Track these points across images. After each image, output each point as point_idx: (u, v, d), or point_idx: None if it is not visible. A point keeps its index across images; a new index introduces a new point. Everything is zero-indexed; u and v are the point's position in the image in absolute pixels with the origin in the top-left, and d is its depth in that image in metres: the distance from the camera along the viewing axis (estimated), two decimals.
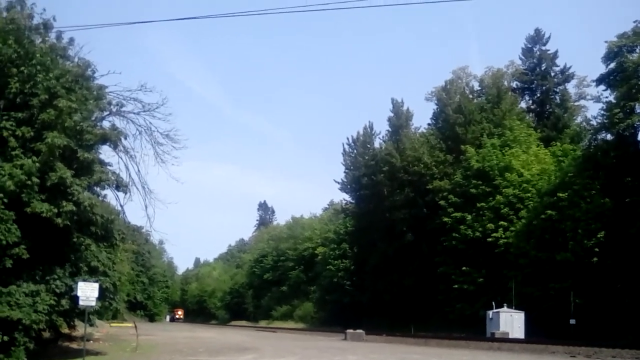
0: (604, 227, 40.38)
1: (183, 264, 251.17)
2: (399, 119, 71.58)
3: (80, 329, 32.37)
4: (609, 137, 44.05)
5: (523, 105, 68.22)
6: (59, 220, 22.56)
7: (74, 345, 33.74)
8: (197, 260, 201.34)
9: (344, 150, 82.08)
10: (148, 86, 30.16)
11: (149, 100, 31.41)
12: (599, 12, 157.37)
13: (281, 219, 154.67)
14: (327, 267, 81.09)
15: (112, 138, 27.86)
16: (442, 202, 55.91)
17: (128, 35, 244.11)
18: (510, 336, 38.35)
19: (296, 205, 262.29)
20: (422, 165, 61.67)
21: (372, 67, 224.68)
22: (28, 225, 22.45)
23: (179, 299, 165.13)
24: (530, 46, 69.04)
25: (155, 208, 31.78)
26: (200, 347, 34.64)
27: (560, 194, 43.69)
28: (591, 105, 73.46)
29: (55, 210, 22.44)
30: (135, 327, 38.42)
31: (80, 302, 23.58)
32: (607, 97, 44.41)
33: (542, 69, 67.97)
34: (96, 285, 24.04)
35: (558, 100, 66.54)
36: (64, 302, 24.11)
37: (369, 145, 79.26)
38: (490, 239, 49.49)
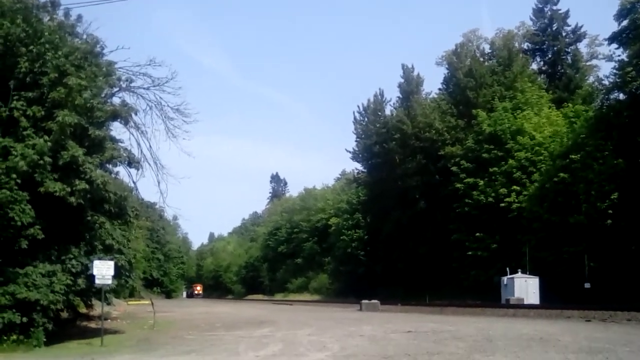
0: (617, 188, 40.02)
1: (198, 239, 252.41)
2: (410, 85, 71.17)
3: (98, 308, 32.59)
4: (621, 96, 43.58)
5: (534, 66, 67.77)
6: (72, 199, 22.60)
7: (92, 325, 33.99)
8: (211, 235, 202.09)
9: (355, 118, 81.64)
10: (157, 61, 30.14)
11: (158, 75, 31.37)
12: None
13: (294, 190, 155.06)
14: (341, 237, 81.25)
15: (123, 114, 27.83)
16: (454, 168, 55.71)
17: (136, 10, 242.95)
18: (525, 302, 38.33)
19: (308, 176, 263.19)
20: (433, 131, 61.43)
21: (382, 33, 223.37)
22: (42, 205, 22.51)
23: (194, 275, 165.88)
24: (541, 6, 68.45)
25: (167, 184, 31.85)
26: (217, 322, 34.87)
27: (573, 156, 43.36)
28: (603, 64, 73.07)
29: (69, 189, 22.46)
30: (152, 304, 38.65)
31: (97, 281, 23.68)
32: (619, 56, 43.96)
33: (553, 29, 67.39)
34: (112, 264, 24.11)
35: (570, 61, 66.00)
36: (80, 281, 24.22)
37: (379, 113, 78.74)
38: (503, 204, 49.30)
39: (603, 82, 49.25)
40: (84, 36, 27.56)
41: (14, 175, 21.43)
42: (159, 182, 31.46)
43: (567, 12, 67.02)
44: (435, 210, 60.12)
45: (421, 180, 62.31)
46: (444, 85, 68.14)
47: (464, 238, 53.25)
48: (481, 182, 52.16)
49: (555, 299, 38.69)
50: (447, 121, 61.05)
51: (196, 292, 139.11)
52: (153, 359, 17.85)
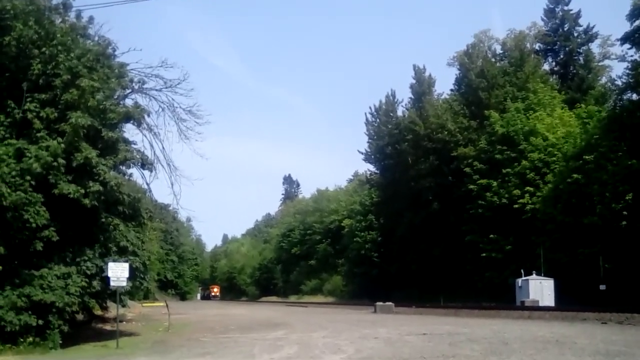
0: (632, 189, 39.66)
1: (211, 240, 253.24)
2: (421, 86, 71.10)
3: (113, 310, 32.65)
4: (634, 97, 43.36)
5: (546, 67, 67.53)
6: (86, 201, 22.64)
7: (108, 327, 34.09)
8: (225, 237, 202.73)
9: (367, 119, 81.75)
10: (169, 62, 30.16)
11: (170, 76, 31.41)
12: None
13: (306, 192, 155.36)
14: (354, 239, 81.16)
15: (136, 116, 27.85)
16: (467, 169, 55.63)
17: (147, 11, 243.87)
18: (540, 304, 38.10)
19: (321, 177, 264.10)
20: (446, 132, 61.43)
21: (394, 34, 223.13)
22: (56, 207, 22.56)
23: (209, 277, 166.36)
24: (552, 7, 68.10)
25: (181, 185, 31.83)
26: (231, 325, 34.86)
27: (587, 157, 43.12)
28: (616, 64, 72.00)
29: (83, 191, 22.51)
30: (167, 306, 38.72)
31: (112, 283, 23.71)
32: (632, 56, 43.64)
33: (565, 29, 67.04)
34: (126, 265, 24.14)
35: (582, 61, 65.65)
36: (95, 283, 24.24)
37: (391, 114, 78.78)
38: (516, 205, 49.12)
39: (616, 82, 49.20)
40: (96, 38, 27.65)
41: (28, 177, 21.47)
42: (172, 184, 31.48)
43: (579, 12, 66.68)
44: (449, 211, 60.00)
45: (434, 181, 62.28)
46: (456, 86, 68.15)
47: (478, 239, 53.11)
48: (494, 184, 52.02)
49: (571, 300, 38.45)
50: (460, 122, 60.98)
51: (213, 293, 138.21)
52: None
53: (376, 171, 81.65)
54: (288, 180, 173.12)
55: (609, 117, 44.74)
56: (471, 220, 54.91)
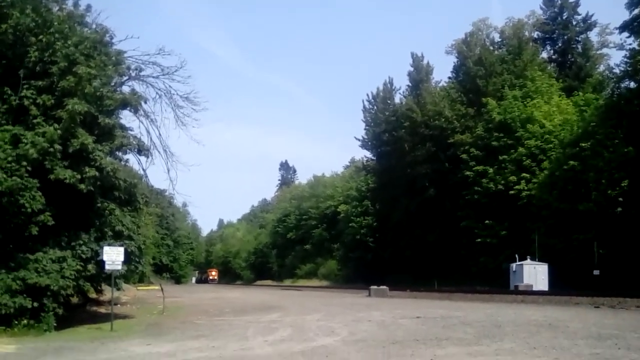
0: (627, 176, 39.87)
1: (207, 225, 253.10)
2: (419, 74, 71.11)
3: (108, 293, 32.80)
4: (632, 85, 43.35)
5: (544, 55, 67.53)
6: (82, 186, 22.72)
7: (102, 310, 34.23)
8: (220, 222, 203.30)
9: (364, 106, 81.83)
10: (166, 49, 30.18)
11: (167, 63, 31.53)
12: None
13: (303, 178, 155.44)
14: (350, 224, 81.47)
15: (132, 102, 27.89)
16: (463, 156, 55.85)
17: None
18: (534, 288, 38.31)
19: (317, 163, 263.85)
20: (443, 120, 61.52)
21: (392, 22, 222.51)
22: (52, 192, 22.63)
23: (204, 261, 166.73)
24: None
25: (177, 171, 31.90)
26: (226, 308, 35.06)
27: (583, 144, 43.31)
28: (614, 53, 72.41)
29: (79, 177, 22.57)
30: (162, 289, 38.87)
31: (107, 267, 23.79)
32: (630, 45, 43.57)
33: (564, 18, 66.98)
34: (122, 250, 24.23)
35: (580, 50, 65.76)
36: (90, 267, 24.36)
37: (389, 101, 78.82)
38: (512, 192, 49.40)
39: (614, 70, 49.04)
40: (93, 26, 27.67)
41: (25, 163, 21.52)
42: (168, 170, 31.54)
43: (578, 0, 66.44)
44: (445, 197, 60.18)
45: (430, 167, 62.40)
46: (454, 74, 68.19)
47: (473, 225, 53.39)
48: (491, 170, 52.24)
49: (564, 286, 38.65)
50: (457, 109, 61.09)
51: (211, 277, 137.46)
52: (163, 343, 17.97)
53: (373, 158, 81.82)
54: (284, 166, 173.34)
55: (606, 105, 44.76)
56: (467, 206, 55.13)
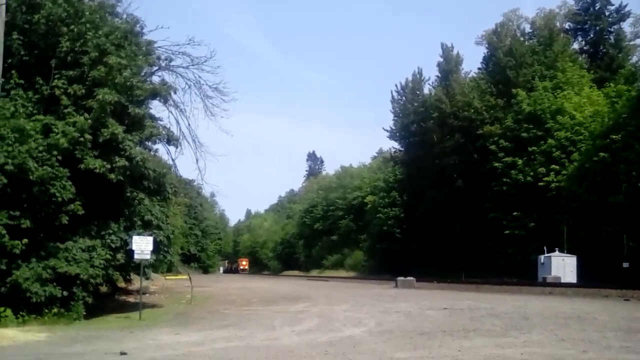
0: None
1: (234, 215, 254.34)
2: (449, 64, 70.64)
3: (136, 282, 33.07)
4: None
5: (576, 46, 66.74)
6: (112, 176, 22.91)
7: (131, 299, 34.51)
8: (248, 212, 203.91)
9: (393, 97, 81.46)
10: (196, 40, 30.35)
11: (197, 54, 31.65)
12: None
13: (330, 168, 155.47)
14: (377, 215, 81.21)
15: (162, 93, 28.08)
16: (492, 147, 55.52)
17: None
18: (562, 281, 37.97)
19: (345, 154, 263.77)
20: (472, 110, 61.16)
21: (422, 12, 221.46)
22: (82, 181, 22.85)
23: (231, 251, 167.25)
24: None
25: (206, 161, 32.35)
26: (253, 298, 35.18)
27: (614, 136, 42.84)
28: None
29: (109, 166, 22.77)
30: (190, 279, 39.10)
31: (136, 256, 23.98)
32: None
33: (596, 8, 65.96)
34: (150, 239, 24.40)
35: (612, 40, 64.86)
36: (119, 256, 24.55)
37: (418, 92, 78.30)
38: (541, 183, 49.04)
39: None
40: (124, 16, 27.92)
41: (55, 152, 21.77)
42: (197, 160, 31.84)
43: None
44: (473, 188, 59.90)
45: (459, 159, 62.14)
46: (484, 65, 67.59)
47: (501, 217, 53.10)
48: (520, 162, 51.90)
49: (593, 278, 38.32)
50: (486, 100, 60.68)
51: (241, 267, 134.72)
52: (191, 333, 18.10)
53: (401, 149, 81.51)
54: (312, 157, 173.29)
55: (638, 96, 44.26)
56: (495, 198, 54.82)
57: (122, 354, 13.93)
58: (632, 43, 65.12)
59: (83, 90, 23.56)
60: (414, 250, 69.75)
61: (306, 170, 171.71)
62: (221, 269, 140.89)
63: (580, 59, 62.97)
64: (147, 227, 26.45)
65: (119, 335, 18.01)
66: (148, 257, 24.55)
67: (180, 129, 30.82)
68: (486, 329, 16.64)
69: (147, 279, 32.79)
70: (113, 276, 26.82)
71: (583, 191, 44.54)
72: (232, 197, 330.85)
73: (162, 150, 30.72)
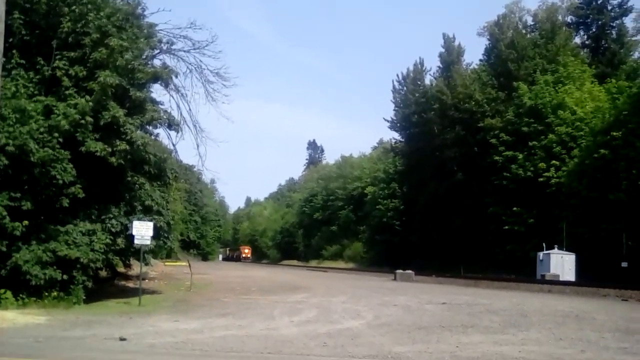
0: None
1: (234, 203, 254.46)
2: (450, 55, 70.55)
3: (136, 267, 33.06)
4: None
5: (577, 40, 66.75)
6: (113, 159, 22.83)
7: (130, 284, 34.51)
8: (248, 200, 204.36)
9: (394, 87, 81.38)
10: (197, 24, 30.19)
11: (198, 38, 31.53)
12: None
13: (330, 158, 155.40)
14: (377, 206, 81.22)
15: (163, 76, 27.92)
16: (493, 141, 55.51)
17: None
18: (561, 278, 38.04)
19: (345, 144, 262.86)
20: (473, 103, 61.07)
21: (424, 2, 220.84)
22: (83, 164, 22.78)
23: (231, 238, 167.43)
24: None
25: (206, 147, 32.15)
26: (252, 286, 35.21)
27: (615, 133, 42.69)
28: None
29: (109, 149, 22.68)
30: (190, 266, 39.10)
31: (136, 241, 23.92)
32: None
33: (598, 2, 65.83)
34: (151, 224, 24.34)
35: (614, 35, 64.74)
36: (119, 241, 24.46)
37: (419, 82, 78.14)
38: (541, 179, 49.01)
39: None
40: None
41: (56, 134, 21.70)
42: (198, 145, 31.73)
43: None
44: (473, 182, 59.89)
45: (459, 151, 62.12)
46: (485, 57, 67.62)
47: (501, 212, 53.09)
48: (520, 156, 51.86)
49: (592, 276, 38.38)
50: (487, 93, 60.61)
51: (244, 255, 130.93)
52: (190, 320, 18.11)
53: (401, 139, 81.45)
54: (312, 146, 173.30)
55: (639, 93, 44.15)
56: (495, 192, 54.79)
57: (122, 339, 13.95)
58: (634, 39, 65.08)
59: (84, 72, 23.47)
60: (413, 242, 69.79)
61: (306, 159, 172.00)
62: (220, 256, 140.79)
63: (581, 53, 62.94)
64: (147, 212, 26.38)
65: (119, 321, 18.03)
66: (148, 242, 24.49)
67: (181, 114, 30.73)
68: (484, 326, 16.67)
69: (147, 264, 32.72)
70: (113, 261, 26.79)
71: (583, 188, 44.47)
72: (233, 184, 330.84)
73: (162, 134, 30.58)
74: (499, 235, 53.05)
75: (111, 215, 24.38)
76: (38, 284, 21.09)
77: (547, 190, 48.49)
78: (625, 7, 64.55)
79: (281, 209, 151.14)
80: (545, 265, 40.44)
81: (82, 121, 22.06)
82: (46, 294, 21.57)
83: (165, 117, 28.13)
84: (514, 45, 60.12)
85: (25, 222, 20.84)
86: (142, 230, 23.82)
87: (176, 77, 29.68)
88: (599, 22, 65.61)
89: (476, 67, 69.39)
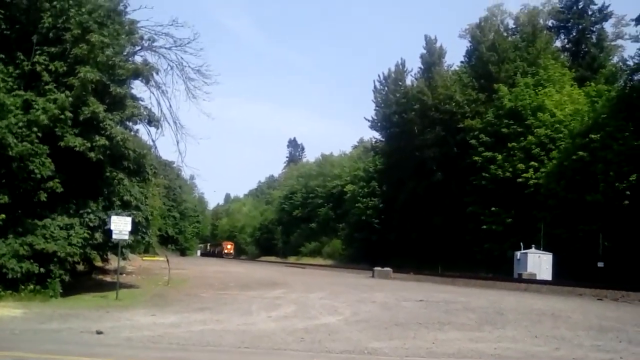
0: (636, 169, 39.65)
1: (213, 199, 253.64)
2: (432, 56, 70.84)
3: (114, 262, 32.97)
4: None
5: (558, 44, 67.39)
6: (92, 155, 22.80)
7: (108, 278, 34.43)
8: (227, 196, 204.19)
9: (375, 87, 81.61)
10: (179, 21, 30.15)
11: (180, 35, 31.47)
12: None
13: (311, 156, 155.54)
14: (356, 204, 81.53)
15: (144, 73, 27.90)
16: (473, 141, 55.78)
17: None
18: (538, 277, 38.27)
19: (326, 142, 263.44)
20: (453, 104, 61.36)
21: (407, 4, 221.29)
22: (62, 159, 22.73)
23: (209, 234, 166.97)
24: None
25: (186, 144, 32.18)
26: (230, 282, 35.19)
27: (593, 135, 43.06)
28: (629, 45, 71.88)
29: (89, 145, 22.65)
30: (168, 261, 38.99)
31: (114, 236, 23.87)
32: None
33: (579, 7, 66.35)
34: (129, 219, 24.31)
35: (594, 40, 65.37)
36: (97, 235, 24.42)
37: (400, 83, 78.47)
38: (520, 180, 49.37)
39: (627, 62, 48.90)
40: None
41: (35, 129, 21.65)
42: (178, 142, 31.70)
43: None
44: (452, 182, 60.16)
45: (439, 151, 62.38)
46: (466, 58, 68.04)
47: (479, 211, 53.39)
48: (499, 157, 52.19)
49: (568, 276, 38.65)
50: (468, 94, 60.90)
51: (226, 251, 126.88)
52: (167, 314, 18.11)
53: (381, 139, 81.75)
54: (293, 144, 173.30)
55: (618, 96, 44.58)
56: (474, 192, 55.11)
57: (99, 333, 13.95)
58: (613, 43, 65.89)
59: (64, 68, 23.42)
60: (392, 240, 70.03)
61: (286, 157, 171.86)
62: (199, 252, 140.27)
63: (562, 56, 63.45)
64: (125, 207, 26.33)
65: (95, 315, 18.00)
66: (126, 237, 24.46)
67: (161, 110, 30.67)
68: (461, 323, 16.81)
69: (125, 259, 32.64)
70: (90, 255, 26.73)
71: (561, 189, 44.82)
72: (212, 181, 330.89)
73: (142, 130, 30.52)
74: (478, 235, 53.35)
75: (89, 210, 24.34)
76: (15, 277, 21.09)
77: (526, 191, 48.83)
78: (605, 12, 65.10)
79: (260, 206, 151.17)
80: (522, 264, 40.67)
81: (62, 116, 22.04)
82: (23, 287, 21.55)
83: (145, 113, 28.12)
84: (495, 48, 60.41)
85: (2, 216, 20.83)
86: (120, 225, 23.79)
87: (157, 73, 29.69)
88: (580, 27, 66.17)
89: (457, 68, 69.92)
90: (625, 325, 16.82)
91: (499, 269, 46.20)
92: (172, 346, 12.64)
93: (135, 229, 26.39)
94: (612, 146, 41.41)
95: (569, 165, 44.68)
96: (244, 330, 14.88)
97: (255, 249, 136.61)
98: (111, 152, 24.16)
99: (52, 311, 18.38)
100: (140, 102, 28.53)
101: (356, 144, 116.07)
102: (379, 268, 46.44)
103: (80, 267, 30.10)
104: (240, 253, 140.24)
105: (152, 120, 29.03)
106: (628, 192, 39.47)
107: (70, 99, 22.39)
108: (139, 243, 32.15)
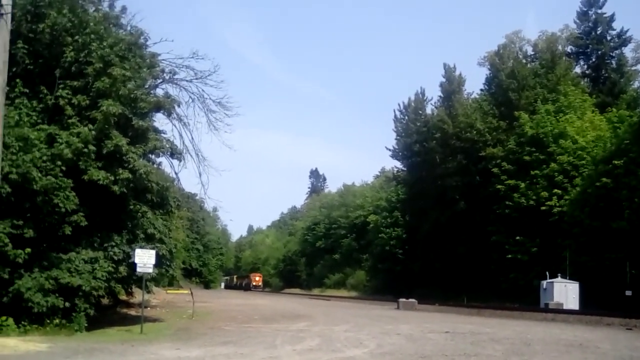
0: None
1: (237, 231, 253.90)
2: (451, 85, 70.86)
3: (138, 295, 32.99)
4: None
5: (578, 70, 66.98)
6: (115, 188, 22.91)
7: (132, 312, 34.45)
8: (250, 228, 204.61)
9: (395, 116, 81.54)
10: (200, 53, 30.35)
11: (201, 67, 31.67)
12: None
13: (332, 186, 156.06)
14: (379, 235, 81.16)
15: (166, 106, 28.07)
16: (495, 170, 55.45)
17: (179, 2, 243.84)
18: (565, 307, 37.83)
19: (347, 172, 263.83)
20: (474, 132, 61.14)
21: (425, 32, 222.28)
22: (85, 192, 22.84)
23: (233, 266, 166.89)
24: (585, 9, 67.43)
25: (209, 175, 32.08)
26: (254, 315, 35.05)
27: (616, 162, 42.65)
28: None
29: (112, 178, 22.77)
30: (192, 294, 38.97)
31: (138, 269, 23.89)
32: None
33: (598, 32, 66.27)
34: (153, 252, 24.32)
35: (614, 65, 65.03)
36: (121, 268, 24.48)
37: (420, 112, 78.47)
38: (544, 208, 48.88)
39: None
40: (128, 27, 28.00)
41: (59, 163, 21.78)
42: (200, 174, 31.73)
43: (613, 15, 65.84)
44: (475, 211, 59.81)
45: (461, 180, 62.11)
46: (486, 86, 67.84)
47: (504, 240, 52.92)
48: (522, 185, 51.78)
49: (595, 305, 38.09)
50: (489, 122, 60.67)
51: (254, 283, 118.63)
52: (191, 348, 18.02)
53: (403, 168, 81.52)
54: (315, 174, 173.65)
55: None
56: (497, 221, 54.70)
57: None
58: (633, 68, 65.58)
59: (87, 101, 23.63)
60: (416, 271, 69.60)
61: (308, 187, 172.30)
62: (222, 284, 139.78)
63: (582, 83, 63.21)
64: (149, 240, 26.39)
65: (121, 349, 17.95)
66: (150, 270, 24.46)
67: (183, 143, 30.79)
68: (487, 354, 16.58)
69: (149, 292, 32.66)
70: (115, 289, 26.79)
71: (585, 217, 44.36)
72: (235, 213, 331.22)
73: (165, 163, 30.64)
74: (502, 264, 52.82)
75: (113, 243, 24.39)
76: (40, 311, 21.10)
77: (550, 219, 48.36)
78: (624, 37, 65.03)
79: (283, 237, 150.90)
80: (548, 293, 40.21)
81: (85, 150, 22.17)
82: (48, 321, 21.55)
83: (167, 146, 28.24)
84: (514, 75, 60.31)
85: (28, 250, 20.85)
86: (145, 258, 23.80)
87: (178, 106, 29.81)
88: (599, 52, 65.98)
89: (477, 96, 69.72)
90: None
91: (525, 298, 45.67)
92: None
93: (159, 262, 26.40)
94: (636, 172, 41.02)
95: (592, 192, 44.25)
96: None
97: (279, 281, 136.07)
98: (134, 185, 24.27)
99: (77, 345, 18.36)
100: (162, 134, 28.68)
101: (378, 173, 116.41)
102: (404, 299, 46.16)
103: (105, 301, 30.17)
104: (263, 285, 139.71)
105: (174, 153, 29.18)
106: None
107: (93, 132, 22.57)
108: (163, 276, 32.20)
